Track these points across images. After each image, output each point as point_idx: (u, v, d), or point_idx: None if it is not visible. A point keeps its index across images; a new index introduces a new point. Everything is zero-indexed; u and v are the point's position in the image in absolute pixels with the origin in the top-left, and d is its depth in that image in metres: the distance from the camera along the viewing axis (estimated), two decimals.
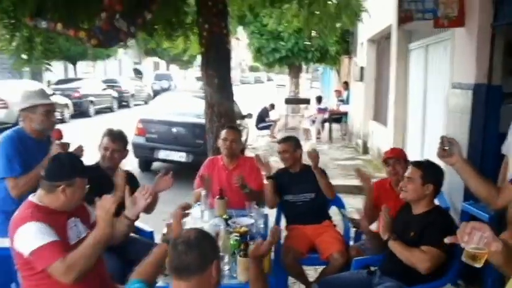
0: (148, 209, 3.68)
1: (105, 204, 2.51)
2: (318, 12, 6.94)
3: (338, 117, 14.81)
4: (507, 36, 4.57)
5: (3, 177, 3.48)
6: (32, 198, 2.65)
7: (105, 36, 4.62)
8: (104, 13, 4.55)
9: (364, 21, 7.82)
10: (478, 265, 1.74)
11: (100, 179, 3.47)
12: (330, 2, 7.03)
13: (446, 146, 2.63)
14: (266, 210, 4.26)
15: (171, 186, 3.43)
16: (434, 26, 5.24)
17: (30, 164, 3.46)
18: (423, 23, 5.29)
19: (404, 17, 5.31)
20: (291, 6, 7.33)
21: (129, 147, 8.63)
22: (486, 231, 1.73)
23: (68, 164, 2.68)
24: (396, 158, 4.10)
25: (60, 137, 3.62)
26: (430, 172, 3.19)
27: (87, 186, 2.72)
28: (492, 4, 4.54)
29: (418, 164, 3.28)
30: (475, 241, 1.72)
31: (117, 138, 3.81)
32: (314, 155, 4.11)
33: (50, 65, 6.18)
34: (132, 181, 3.96)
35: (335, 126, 14.74)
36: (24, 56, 5.59)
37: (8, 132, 3.66)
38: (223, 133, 4.53)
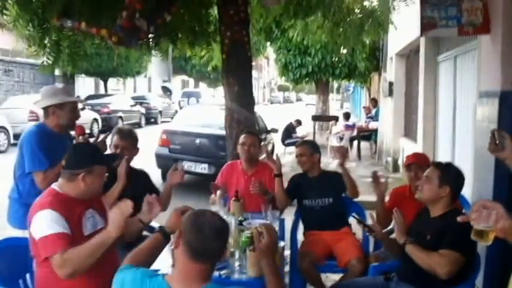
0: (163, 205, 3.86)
1: (122, 209, 2.55)
2: (343, 21, 7.01)
3: (367, 135, 14.68)
4: None
5: (30, 172, 3.61)
6: (54, 186, 2.76)
7: (125, 34, 4.78)
8: (124, 11, 4.71)
9: (393, 35, 7.82)
10: (486, 243, 1.77)
11: (111, 175, 3.52)
12: (354, 12, 7.10)
13: (498, 139, 2.58)
14: (283, 215, 4.25)
15: (183, 179, 3.65)
16: (458, 34, 5.18)
17: (52, 157, 3.56)
18: (447, 31, 5.23)
19: (427, 24, 5.25)
20: (315, 18, 7.41)
21: (152, 157, 8.78)
22: (496, 209, 1.74)
23: (87, 153, 2.81)
24: (418, 164, 4.06)
25: (82, 132, 3.76)
26: (448, 174, 3.14)
27: (106, 174, 2.82)
28: None
29: (438, 165, 3.24)
30: (484, 218, 1.74)
31: (126, 136, 3.92)
32: (342, 151, 4.20)
33: (76, 67, 6.40)
34: (145, 180, 4.06)
35: (364, 144, 14.59)
36: (51, 59, 5.83)
37: (30, 128, 3.82)
38: (241, 138, 4.60)
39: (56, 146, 3.63)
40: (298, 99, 72.40)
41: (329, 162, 10.24)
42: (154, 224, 4.13)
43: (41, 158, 3.58)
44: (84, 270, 2.51)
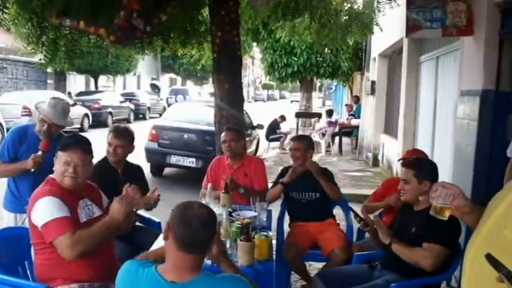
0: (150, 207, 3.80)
1: (127, 197, 2.69)
2: (330, 23, 6.99)
3: (349, 131, 14.74)
4: None
5: None
6: (52, 174, 2.81)
7: (122, 33, 4.74)
8: (122, 11, 4.67)
9: (376, 36, 7.81)
10: (443, 218, 1.95)
11: (107, 171, 3.69)
12: (341, 14, 7.09)
13: None
14: (270, 206, 4.23)
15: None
16: (442, 35, 5.21)
17: (28, 156, 3.67)
18: (431, 32, 5.24)
19: (412, 25, 5.25)
20: (303, 20, 7.38)
21: (142, 152, 8.72)
22: (453, 189, 1.89)
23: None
24: None
25: (45, 148, 3.63)
26: (423, 169, 3.15)
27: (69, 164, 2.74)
28: (499, 12, 4.51)
29: (409, 165, 3.23)
30: (442, 197, 1.89)
31: (120, 134, 3.86)
32: (311, 164, 4.18)
33: (72, 64, 6.35)
34: (139, 174, 4.03)
35: (345, 139, 14.66)
36: (48, 56, 5.77)
37: (20, 124, 4.09)
38: (222, 135, 4.58)
39: (34, 147, 3.68)
40: (282, 97, 72.63)
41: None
42: (150, 216, 4.15)
43: (3, 151, 3.77)
44: (91, 250, 2.57)
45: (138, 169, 4.09)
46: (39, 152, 3.61)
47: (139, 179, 4.00)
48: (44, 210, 2.58)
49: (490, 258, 1.32)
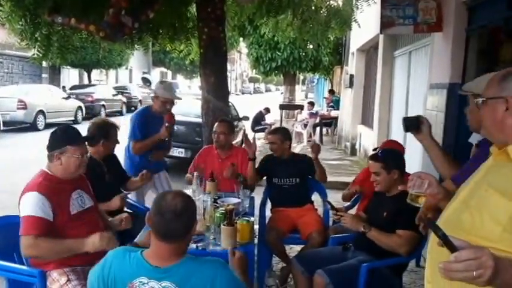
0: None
1: (107, 241, 2.59)
2: (310, 19, 7.03)
3: (328, 122, 14.81)
4: (480, 39, 4.58)
5: (129, 139, 4.52)
6: (45, 167, 2.77)
7: (111, 30, 4.77)
8: (111, 9, 4.70)
9: (355, 32, 7.87)
10: (418, 205, 1.99)
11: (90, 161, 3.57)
12: (321, 11, 7.13)
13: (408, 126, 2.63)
14: (253, 193, 4.27)
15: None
16: (414, 32, 5.27)
17: (150, 132, 4.45)
18: (404, 29, 5.31)
19: (386, 22, 5.32)
20: (286, 17, 7.41)
21: None
22: (428, 179, 1.93)
23: (59, 135, 2.79)
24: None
25: (170, 120, 4.47)
26: (389, 160, 3.20)
27: (83, 155, 2.78)
28: (466, 11, 4.58)
29: (375, 158, 3.28)
30: (417, 186, 1.93)
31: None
32: (315, 146, 4.21)
33: (65, 59, 6.36)
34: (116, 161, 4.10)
35: (325, 130, 14.72)
36: (41, 52, 5.76)
37: (140, 108, 5.03)
38: (215, 126, 4.58)
39: (153, 124, 4.44)
40: (267, 90, 72.56)
41: (294, 147, 10.29)
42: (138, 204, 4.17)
43: (135, 131, 4.43)
44: (46, 259, 2.61)
45: (114, 157, 4.07)
46: (167, 124, 4.41)
47: (118, 165, 4.11)
48: (26, 204, 2.59)
49: (430, 223, 1.36)
